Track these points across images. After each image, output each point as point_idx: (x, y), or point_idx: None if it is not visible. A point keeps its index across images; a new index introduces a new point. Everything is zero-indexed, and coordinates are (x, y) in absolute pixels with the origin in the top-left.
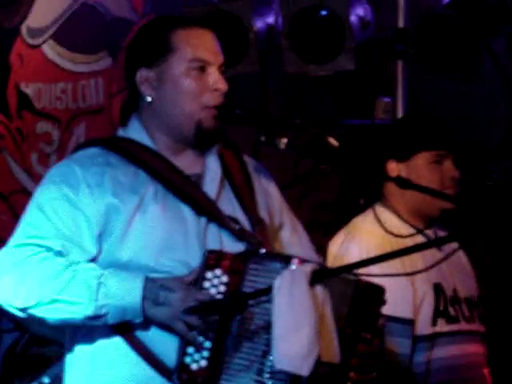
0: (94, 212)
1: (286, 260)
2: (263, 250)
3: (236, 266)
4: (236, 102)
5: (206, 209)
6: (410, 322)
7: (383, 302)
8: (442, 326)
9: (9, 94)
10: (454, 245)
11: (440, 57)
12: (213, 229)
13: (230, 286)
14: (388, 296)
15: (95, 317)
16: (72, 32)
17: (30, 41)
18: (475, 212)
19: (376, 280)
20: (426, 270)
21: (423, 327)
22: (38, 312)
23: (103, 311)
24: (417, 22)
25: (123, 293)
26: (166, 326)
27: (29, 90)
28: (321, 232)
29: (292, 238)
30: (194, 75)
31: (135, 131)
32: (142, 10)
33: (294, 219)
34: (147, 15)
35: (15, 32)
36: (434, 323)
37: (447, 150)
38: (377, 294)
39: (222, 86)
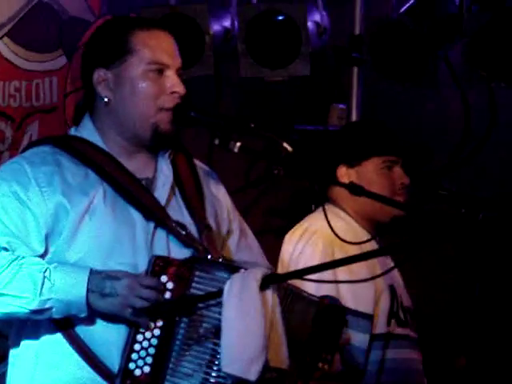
0: (43, 211)
1: (231, 269)
2: (209, 257)
3: (182, 273)
4: (190, 104)
5: (154, 213)
6: (370, 318)
7: (345, 323)
8: (394, 328)
9: None
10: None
11: (395, 64)
12: (161, 234)
13: (176, 292)
14: (352, 290)
15: (40, 311)
16: (27, 30)
17: None
18: (425, 220)
19: (341, 277)
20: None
21: (379, 326)
22: None
23: (47, 305)
24: (373, 29)
25: (68, 287)
26: (108, 319)
27: None
28: (272, 236)
29: (241, 243)
30: (152, 77)
31: (88, 131)
32: (99, 10)
33: (244, 225)
34: (104, 15)
35: None
36: (389, 323)
37: (397, 155)
38: (338, 314)
39: (180, 89)
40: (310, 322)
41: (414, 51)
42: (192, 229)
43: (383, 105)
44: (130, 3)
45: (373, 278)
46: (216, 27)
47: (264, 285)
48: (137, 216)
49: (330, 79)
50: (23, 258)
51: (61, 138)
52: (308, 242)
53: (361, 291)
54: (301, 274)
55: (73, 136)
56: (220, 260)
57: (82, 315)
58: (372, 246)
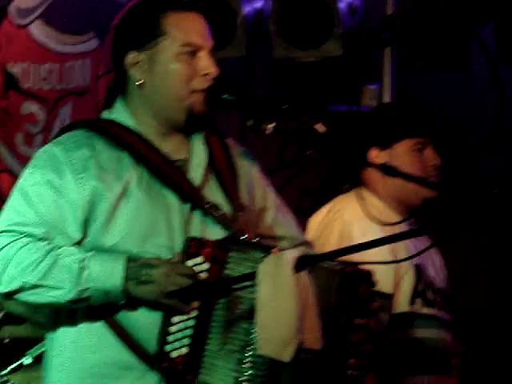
0: (79, 198)
1: (266, 249)
2: (244, 238)
3: (217, 254)
4: (224, 85)
5: (190, 196)
6: (390, 297)
7: (373, 285)
8: (420, 308)
9: None
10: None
11: (428, 44)
12: (197, 215)
13: (211, 273)
14: (371, 269)
15: (77, 301)
16: (60, 13)
17: (18, 21)
18: (458, 201)
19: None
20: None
21: (401, 305)
22: (22, 297)
23: (85, 295)
24: (405, 9)
25: (104, 276)
26: (152, 305)
27: (15, 70)
28: (305, 218)
29: (277, 219)
30: (185, 59)
31: (120, 114)
32: None
33: (280, 201)
34: None
35: (3, 12)
36: (412, 302)
37: (428, 137)
38: (364, 278)
39: (213, 70)
40: (336, 291)
41: (447, 31)
42: (227, 209)
43: (415, 85)
44: None
45: (401, 261)
46: (248, 8)
47: (298, 266)
48: (172, 198)
49: (362, 60)
50: (59, 248)
51: (94, 121)
52: (327, 223)
53: (381, 270)
54: (334, 255)
55: (106, 119)
56: (255, 240)
57: (121, 303)
58: (400, 228)
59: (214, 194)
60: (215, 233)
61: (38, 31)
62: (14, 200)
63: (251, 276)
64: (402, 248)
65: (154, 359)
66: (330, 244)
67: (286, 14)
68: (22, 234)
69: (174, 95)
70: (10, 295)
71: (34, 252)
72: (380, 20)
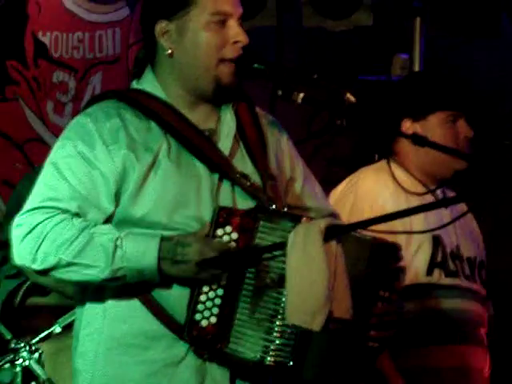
0: (111, 169)
1: (295, 219)
2: (273, 207)
3: (246, 224)
4: (254, 55)
5: (219, 166)
6: None
7: (399, 259)
8: (440, 278)
9: (26, 42)
10: (463, 207)
11: (457, 15)
12: (226, 185)
13: (240, 242)
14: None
15: (112, 279)
16: None
17: None
18: (489, 172)
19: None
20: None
21: (417, 276)
22: (57, 274)
23: (120, 274)
24: None
25: (139, 255)
26: (187, 280)
27: (46, 38)
28: (335, 186)
29: (305, 190)
30: (215, 28)
31: (150, 84)
32: None
33: (308, 173)
34: None
35: None
36: (430, 273)
37: (462, 110)
38: (392, 251)
39: (243, 38)
40: (365, 261)
41: (476, 1)
42: (256, 179)
43: (445, 55)
44: None
45: (416, 232)
46: None
47: (328, 235)
48: (201, 168)
49: (392, 29)
50: (94, 225)
51: (123, 91)
52: (341, 197)
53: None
54: (364, 224)
55: (135, 89)
56: (284, 209)
57: (156, 281)
58: (425, 200)
59: (243, 163)
60: (244, 202)
61: (69, 0)
62: (46, 174)
63: (281, 245)
64: (421, 219)
65: (183, 329)
66: (342, 217)
67: None
68: (56, 209)
69: (202, 65)
70: (44, 272)
71: (69, 229)
72: None
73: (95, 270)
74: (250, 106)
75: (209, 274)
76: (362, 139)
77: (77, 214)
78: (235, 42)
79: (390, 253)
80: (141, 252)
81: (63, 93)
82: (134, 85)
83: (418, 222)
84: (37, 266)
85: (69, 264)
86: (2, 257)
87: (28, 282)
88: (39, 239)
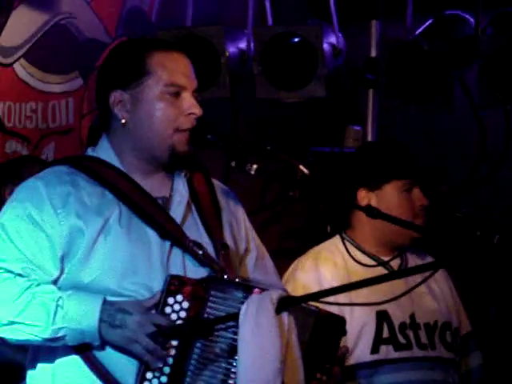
0: (58, 233)
1: (247, 289)
2: (225, 277)
3: (197, 293)
4: (207, 126)
5: (170, 233)
6: None
7: (344, 333)
8: (389, 353)
9: None
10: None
11: (411, 86)
12: (177, 253)
13: (191, 312)
14: None
15: (53, 339)
16: (44, 52)
17: (2, 59)
18: (444, 243)
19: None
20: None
21: (363, 355)
22: None
23: (60, 334)
24: (388, 51)
25: (80, 316)
26: (125, 349)
27: None
28: (287, 259)
29: (257, 263)
30: (169, 99)
31: (104, 151)
32: (115, 32)
33: (261, 246)
34: (119, 37)
35: None
36: (375, 351)
37: (416, 178)
38: (338, 324)
39: (197, 110)
40: (309, 331)
41: (430, 73)
42: (209, 247)
43: (399, 127)
44: (146, 25)
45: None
46: (232, 49)
47: (280, 307)
48: (152, 235)
49: (345, 101)
50: (37, 285)
51: (77, 158)
52: (286, 280)
53: None
54: (316, 296)
55: (89, 156)
56: (236, 280)
57: (96, 343)
58: (378, 272)
59: (196, 231)
60: (196, 271)
61: (22, 70)
62: None
63: (233, 316)
64: (363, 296)
65: None
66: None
67: (269, 55)
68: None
69: (157, 134)
70: None
71: (12, 288)
72: (363, 62)
73: (36, 328)
74: (206, 175)
75: (141, 347)
76: (315, 211)
77: (20, 275)
78: (189, 114)
79: (335, 325)
80: (82, 313)
81: None
82: (89, 152)
83: (359, 299)
84: None
85: (10, 323)
86: None
87: None
88: None
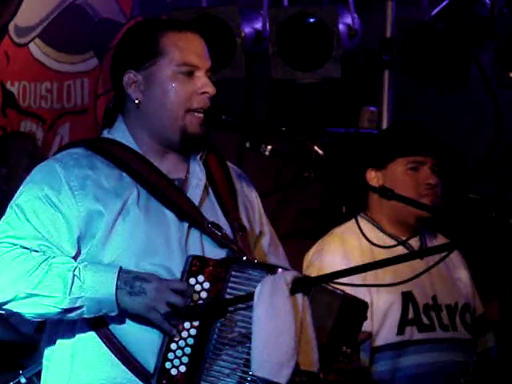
0: (75, 214)
1: (269, 269)
2: (245, 258)
3: (218, 273)
4: (222, 107)
5: (188, 214)
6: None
7: (366, 318)
8: (413, 335)
9: None
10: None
11: (427, 67)
12: (195, 234)
13: (212, 292)
14: None
15: (70, 309)
16: (59, 32)
17: (17, 39)
18: (457, 224)
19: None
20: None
21: (390, 336)
22: (14, 307)
23: (78, 304)
24: (404, 31)
25: (97, 285)
26: (143, 322)
27: (14, 88)
28: (302, 239)
29: (270, 249)
30: (182, 79)
31: (120, 133)
32: (130, 12)
33: (273, 232)
34: (135, 17)
35: (2, 30)
36: (401, 332)
37: (422, 156)
38: (361, 308)
39: (210, 89)
40: (334, 314)
41: (445, 54)
42: (226, 229)
43: (414, 107)
44: (161, 5)
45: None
46: (247, 29)
47: (294, 288)
48: (171, 217)
49: (360, 82)
50: (53, 257)
51: (94, 140)
52: (308, 265)
53: None
54: (331, 277)
55: (105, 138)
56: (255, 260)
57: (113, 313)
58: (398, 252)
59: (214, 213)
60: (214, 252)
61: (37, 50)
62: (10, 215)
63: (248, 297)
64: (389, 276)
65: (153, 376)
66: (331, 259)
67: (285, 36)
68: (15, 245)
69: (169, 114)
70: (2, 305)
71: (28, 262)
72: (379, 43)
73: (54, 299)
74: (220, 157)
75: (159, 315)
76: (330, 192)
77: (35, 251)
78: (202, 93)
79: (359, 309)
80: (99, 281)
81: None
82: (105, 134)
83: (385, 280)
84: None
85: (28, 295)
86: None
87: None
88: None
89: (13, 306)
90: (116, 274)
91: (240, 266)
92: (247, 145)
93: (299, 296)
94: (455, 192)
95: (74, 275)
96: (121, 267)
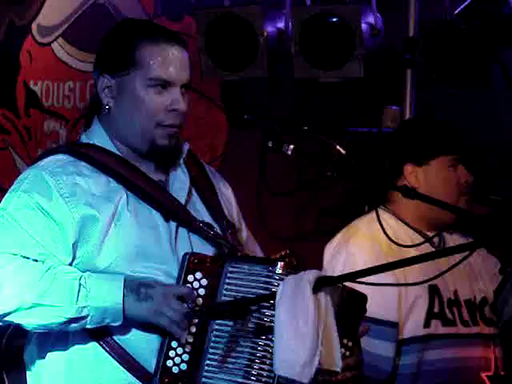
0: (69, 221)
1: (268, 262)
2: (239, 254)
3: (215, 270)
4: (245, 107)
5: (177, 214)
6: (392, 325)
7: (365, 310)
8: (437, 328)
9: (17, 91)
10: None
11: (449, 66)
12: (183, 234)
13: (209, 289)
14: (371, 297)
15: (76, 319)
16: (82, 31)
17: (40, 39)
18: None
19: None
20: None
21: (415, 329)
22: (16, 318)
23: (84, 313)
24: (427, 31)
25: (104, 293)
26: (146, 325)
27: (37, 87)
28: (326, 238)
29: (248, 245)
30: (154, 93)
31: (98, 136)
32: (153, 11)
33: (247, 228)
34: (157, 16)
35: (26, 30)
36: (427, 325)
37: (462, 154)
38: (360, 301)
39: (181, 106)
40: (335, 307)
41: (468, 53)
42: (215, 228)
43: (437, 107)
44: (184, 4)
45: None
46: (270, 28)
47: (317, 286)
48: (158, 218)
49: (383, 81)
50: (55, 267)
51: (75, 146)
52: (334, 254)
53: (381, 298)
54: (354, 276)
55: (85, 143)
56: (249, 255)
57: (117, 323)
58: (423, 248)
59: (199, 214)
60: (204, 251)
61: (60, 49)
62: (2, 223)
63: (270, 297)
64: (416, 270)
65: (152, 377)
66: (336, 272)
67: (307, 35)
68: (15, 255)
69: (138, 126)
70: (4, 316)
71: (31, 271)
72: (401, 42)
73: (60, 309)
74: (195, 157)
75: (167, 319)
76: (353, 190)
77: (35, 261)
78: (172, 110)
79: (359, 302)
80: (106, 290)
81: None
82: (84, 139)
83: (413, 273)
84: None
85: (33, 306)
86: None
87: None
88: (0, 284)
89: (15, 317)
90: (122, 283)
91: (235, 262)
92: (270, 144)
93: (322, 295)
94: (477, 193)
95: (80, 284)
96: (125, 276)
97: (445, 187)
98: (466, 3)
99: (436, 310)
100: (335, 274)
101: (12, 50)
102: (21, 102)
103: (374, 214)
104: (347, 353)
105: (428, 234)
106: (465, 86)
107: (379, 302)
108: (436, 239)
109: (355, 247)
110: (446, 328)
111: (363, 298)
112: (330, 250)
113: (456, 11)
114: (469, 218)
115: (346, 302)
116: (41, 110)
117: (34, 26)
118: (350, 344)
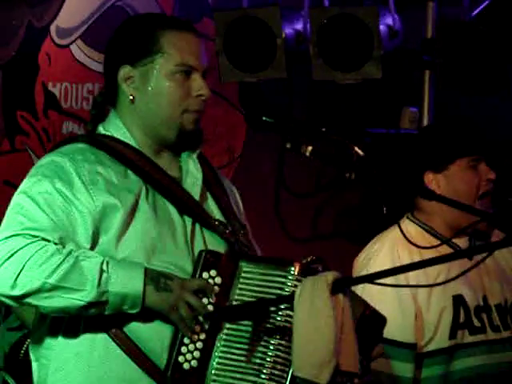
0: (90, 209)
1: (283, 263)
2: (253, 253)
3: (230, 268)
4: (263, 107)
5: (194, 211)
6: (409, 346)
7: (382, 334)
8: (464, 338)
9: (36, 93)
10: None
11: (467, 68)
12: (198, 231)
13: (223, 287)
14: (388, 319)
15: (95, 303)
16: (100, 33)
17: (59, 41)
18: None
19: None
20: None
21: (442, 340)
22: (36, 300)
23: (104, 298)
24: (445, 32)
25: (125, 279)
26: (158, 319)
27: (56, 89)
28: (343, 240)
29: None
30: (178, 79)
31: (116, 129)
32: (171, 13)
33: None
34: None
35: (44, 32)
36: (453, 336)
37: (481, 153)
38: (380, 322)
39: (205, 92)
40: (355, 320)
41: (487, 54)
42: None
43: (455, 108)
44: (203, 5)
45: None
46: (288, 30)
47: (335, 288)
48: (175, 213)
49: (401, 82)
50: (76, 250)
51: (94, 136)
52: (361, 267)
53: (397, 320)
54: (372, 278)
55: (104, 134)
56: (264, 256)
57: (134, 311)
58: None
59: (213, 211)
60: (217, 249)
61: (79, 51)
62: (23, 205)
63: (288, 298)
64: (440, 280)
65: (165, 372)
66: (365, 287)
67: (325, 36)
68: (36, 237)
69: (166, 113)
70: (22, 298)
71: (53, 254)
72: (420, 43)
73: (80, 293)
74: (203, 157)
75: (180, 313)
76: (372, 192)
77: (56, 244)
78: (198, 96)
79: (378, 323)
80: (127, 276)
81: None
82: (101, 130)
83: (438, 291)
84: (16, 292)
85: (53, 288)
86: (6, 309)
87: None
88: (21, 264)
89: (35, 299)
90: (143, 269)
91: (250, 261)
92: (288, 146)
93: (340, 296)
94: (498, 194)
95: (102, 269)
96: (145, 265)
97: (465, 188)
98: (485, 4)
99: (461, 320)
100: (357, 292)
101: (31, 51)
102: (39, 103)
103: (396, 230)
104: (361, 371)
105: (459, 244)
106: (482, 90)
107: (397, 323)
108: (465, 244)
109: (381, 260)
110: (474, 336)
111: (383, 319)
112: (356, 263)
113: (474, 12)
114: (494, 218)
115: (365, 319)
116: (59, 112)
117: (52, 28)
118: (365, 363)
